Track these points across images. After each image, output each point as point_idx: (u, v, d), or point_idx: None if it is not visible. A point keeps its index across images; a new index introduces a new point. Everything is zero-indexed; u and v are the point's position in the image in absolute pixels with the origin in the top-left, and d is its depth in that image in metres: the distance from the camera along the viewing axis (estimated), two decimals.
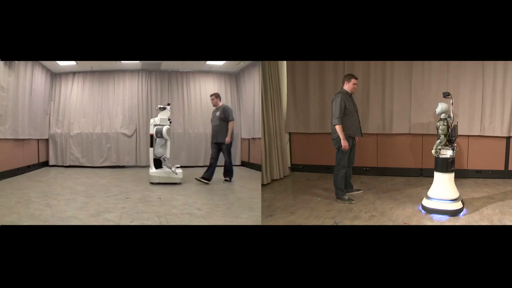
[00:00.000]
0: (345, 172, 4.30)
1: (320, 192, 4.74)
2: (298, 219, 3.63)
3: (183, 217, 3.61)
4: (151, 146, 5.53)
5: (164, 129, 5.38)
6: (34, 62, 6.74)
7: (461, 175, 5.37)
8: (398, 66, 5.58)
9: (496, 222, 3.38)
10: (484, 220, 3.43)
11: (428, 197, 3.79)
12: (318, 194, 4.66)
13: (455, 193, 3.70)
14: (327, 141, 6.06)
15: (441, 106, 3.78)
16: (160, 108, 5.70)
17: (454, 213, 3.59)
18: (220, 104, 5.69)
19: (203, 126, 8.25)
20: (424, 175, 5.58)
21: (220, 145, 5.55)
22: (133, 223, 3.34)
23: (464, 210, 3.70)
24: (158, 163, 5.51)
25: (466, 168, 5.45)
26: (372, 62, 5.66)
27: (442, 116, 3.75)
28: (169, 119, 5.64)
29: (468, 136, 5.38)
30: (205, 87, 8.38)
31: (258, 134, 6.67)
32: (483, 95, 5.24)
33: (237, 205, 4.13)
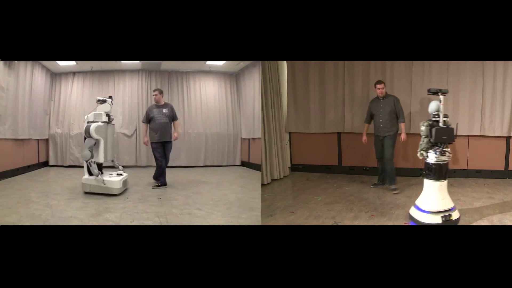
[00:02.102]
0: (379, 165, 5.00)
1: (320, 192, 4.74)
2: (298, 219, 3.63)
3: (183, 217, 3.61)
4: None
5: (93, 126, 4.44)
6: (34, 62, 6.74)
7: (461, 175, 5.38)
8: (398, 66, 5.58)
9: (496, 222, 3.38)
10: (484, 220, 3.43)
11: (416, 207, 3.39)
12: (318, 194, 4.66)
13: (446, 204, 3.29)
14: (327, 141, 6.11)
15: (433, 105, 3.40)
16: (99, 100, 4.80)
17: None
18: (163, 101, 5.35)
19: (203, 126, 8.25)
20: None
21: (165, 144, 5.23)
22: (133, 223, 3.34)
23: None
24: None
25: (466, 168, 5.45)
26: (372, 62, 5.66)
27: (435, 115, 3.38)
28: (108, 115, 4.76)
29: (468, 136, 5.38)
30: (205, 87, 8.38)
31: (258, 134, 6.67)
32: (483, 95, 5.24)
33: (237, 205, 4.13)
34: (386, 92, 4.82)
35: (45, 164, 7.62)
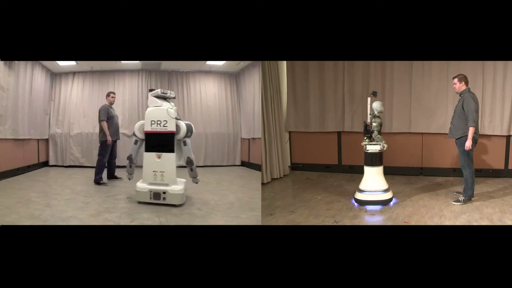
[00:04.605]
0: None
1: (320, 191, 4.74)
2: (298, 218, 3.63)
3: (183, 217, 3.61)
4: (165, 150, 4.00)
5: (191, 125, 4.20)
6: (34, 62, 6.74)
7: (461, 174, 5.35)
8: (398, 66, 5.58)
9: (496, 221, 3.39)
10: (484, 219, 3.43)
11: (360, 190, 4.10)
12: (318, 193, 4.66)
13: (385, 184, 4.08)
14: (327, 140, 6.11)
15: (378, 104, 4.18)
16: (170, 97, 4.19)
17: (386, 203, 4.01)
18: None
19: (203, 126, 8.24)
20: (424, 174, 5.58)
21: (115, 142, 5.69)
22: (133, 223, 3.34)
23: (394, 199, 4.14)
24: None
25: None
26: (372, 62, 5.65)
27: (376, 113, 4.15)
28: None
29: None
30: (205, 87, 8.38)
31: (258, 134, 6.67)
32: (483, 94, 5.24)
33: (237, 205, 4.13)
34: (466, 88, 4.06)
35: (45, 164, 7.61)
